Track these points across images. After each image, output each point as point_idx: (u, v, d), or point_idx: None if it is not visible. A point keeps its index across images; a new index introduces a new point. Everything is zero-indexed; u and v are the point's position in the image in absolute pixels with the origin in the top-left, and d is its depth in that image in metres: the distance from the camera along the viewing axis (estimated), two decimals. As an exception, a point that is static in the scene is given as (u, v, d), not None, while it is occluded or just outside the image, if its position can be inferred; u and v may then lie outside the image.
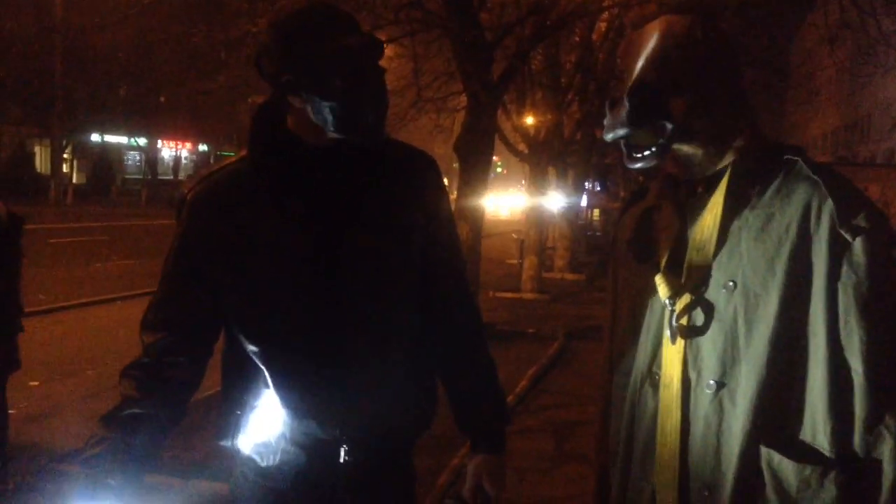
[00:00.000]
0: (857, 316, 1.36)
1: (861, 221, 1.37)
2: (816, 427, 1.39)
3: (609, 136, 1.49)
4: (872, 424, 1.36)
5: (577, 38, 14.43)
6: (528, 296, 12.97)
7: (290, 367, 1.69)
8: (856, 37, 9.35)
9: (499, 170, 61.27)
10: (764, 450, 1.41)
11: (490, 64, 7.98)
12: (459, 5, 7.50)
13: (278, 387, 1.69)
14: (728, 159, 1.50)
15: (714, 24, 1.52)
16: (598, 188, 21.04)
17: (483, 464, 1.85)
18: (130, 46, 29.95)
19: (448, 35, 8.01)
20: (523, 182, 19.87)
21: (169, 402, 1.70)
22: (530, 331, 9.71)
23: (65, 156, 38.61)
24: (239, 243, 1.68)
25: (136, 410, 1.65)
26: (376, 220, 1.71)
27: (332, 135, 1.66)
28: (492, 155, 8.70)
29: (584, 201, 19.86)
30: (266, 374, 1.70)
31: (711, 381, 1.45)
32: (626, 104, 1.44)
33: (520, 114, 13.79)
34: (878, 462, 1.36)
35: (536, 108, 14.20)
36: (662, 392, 1.52)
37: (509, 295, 12.84)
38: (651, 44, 1.49)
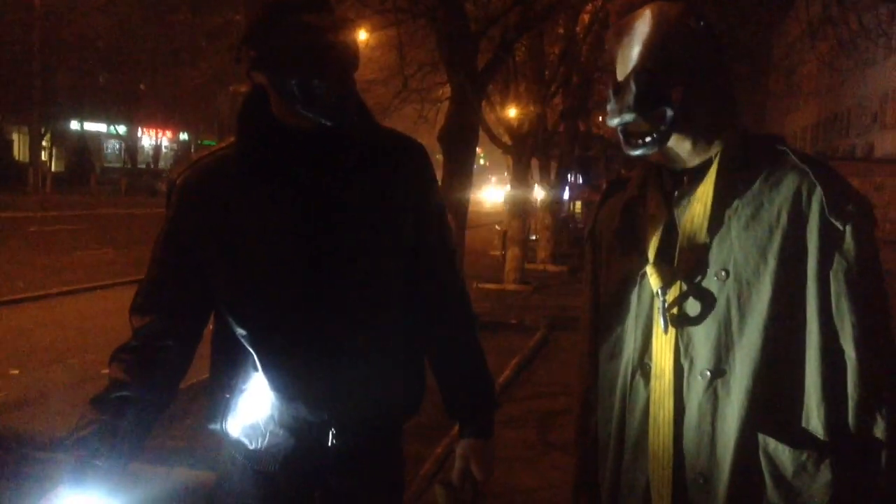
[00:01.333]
0: (848, 301, 1.39)
1: (850, 209, 1.40)
2: (811, 412, 1.41)
3: (615, 122, 1.49)
4: (866, 408, 1.39)
5: (561, 31, 14.43)
6: (511, 287, 12.99)
7: (279, 350, 1.70)
8: (837, 31, 9.42)
9: (481, 161, 61.34)
10: (760, 436, 1.42)
11: (475, 54, 7.97)
12: (444, -4, 7.48)
13: (267, 370, 1.70)
14: (714, 150, 1.51)
15: (702, 13, 1.52)
16: (581, 180, 21.10)
17: (471, 448, 1.86)
18: (110, 34, 29.67)
19: (433, 25, 7.99)
20: (506, 174, 19.87)
21: (157, 386, 1.71)
22: (513, 321, 9.73)
23: (43, 144, 38.21)
24: (228, 227, 1.69)
25: (125, 393, 1.66)
26: (364, 205, 1.72)
27: (302, 113, 1.66)
28: (476, 146, 8.70)
29: (566, 193, 19.89)
30: (255, 357, 1.71)
31: (706, 370, 1.46)
32: (633, 88, 1.44)
33: (503, 105, 13.79)
34: (873, 444, 1.39)
35: (520, 99, 14.20)
36: (654, 382, 1.53)
37: (492, 286, 12.85)
38: (646, 30, 1.49)
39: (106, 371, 5.64)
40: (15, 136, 39.56)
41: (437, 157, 8.09)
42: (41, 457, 4.52)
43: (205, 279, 1.72)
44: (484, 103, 11.89)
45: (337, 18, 1.67)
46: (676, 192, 1.56)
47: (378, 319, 1.75)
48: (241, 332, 1.71)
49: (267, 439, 1.73)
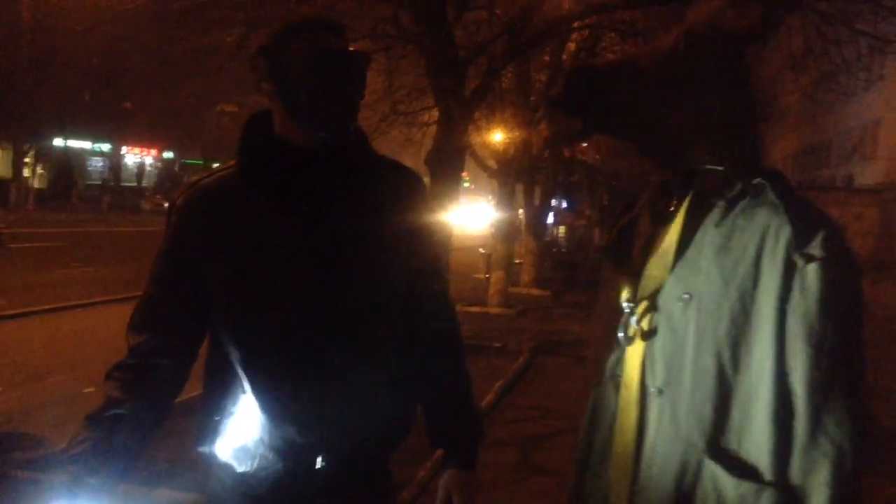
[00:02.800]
0: (803, 341, 1.38)
1: (816, 249, 1.39)
2: (760, 446, 1.40)
3: (545, 104, 1.59)
4: (810, 450, 1.37)
5: (548, 58, 14.60)
6: (495, 310, 13.03)
7: (270, 372, 1.70)
8: (818, 63, 9.59)
9: (466, 185, 61.48)
10: (707, 461, 1.43)
11: (463, 80, 8.05)
12: (434, 22, 7.57)
13: (257, 392, 1.70)
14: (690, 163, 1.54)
15: (696, 36, 1.52)
16: (565, 205, 21.23)
17: (454, 479, 1.87)
18: (98, 52, 29.65)
19: (422, 51, 8.08)
20: (490, 198, 19.96)
21: (152, 404, 1.71)
22: (497, 345, 9.73)
23: (26, 160, 38.00)
24: (227, 247, 1.70)
25: (120, 411, 1.66)
26: (363, 230, 1.75)
27: (309, 132, 1.72)
28: (462, 170, 8.77)
29: (550, 218, 20.01)
30: (245, 379, 1.71)
31: (657, 387, 1.49)
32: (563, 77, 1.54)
33: (489, 130, 13.91)
34: (814, 488, 1.37)
35: (506, 124, 14.32)
36: (622, 392, 1.55)
37: (476, 309, 12.88)
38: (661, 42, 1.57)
39: (89, 390, 5.65)
40: (-2, 153, 39.34)
41: (425, 180, 8.14)
42: (23, 476, 4.49)
43: (202, 299, 1.73)
44: (470, 127, 11.99)
45: (352, 46, 1.76)
46: (664, 213, 1.59)
47: (371, 344, 1.77)
48: (234, 352, 1.72)
49: (256, 462, 1.73)
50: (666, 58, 1.53)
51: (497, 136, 14.17)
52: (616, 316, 1.62)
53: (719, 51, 1.52)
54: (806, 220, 1.42)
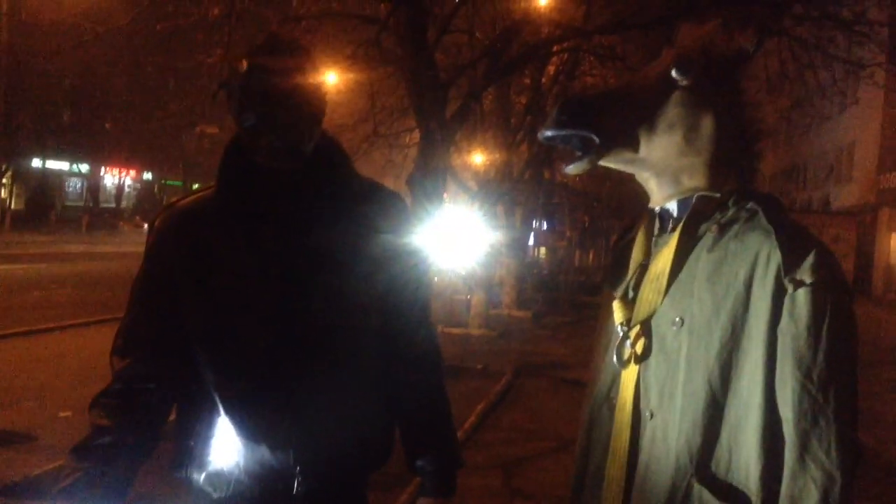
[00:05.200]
0: (791, 366, 1.38)
1: (805, 275, 1.39)
2: (749, 470, 1.41)
3: (541, 135, 1.57)
4: (799, 475, 1.37)
5: (528, 81, 14.72)
6: (476, 331, 13.02)
7: (245, 395, 1.68)
8: (794, 87, 9.74)
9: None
10: (696, 485, 1.43)
11: (444, 102, 8.10)
12: (415, 46, 7.61)
13: (232, 414, 1.68)
14: (682, 190, 1.55)
15: (689, 67, 1.53)
16: (546, 227, 21.32)
17: None
18: (77, 73, 29.53)
19: (404, 73, 8.12)
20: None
21: (141, 430, 1.67)
22: (478, 367, 9.71)
23: (3, 181, 37.68)
24: (201, 269, 1.69)
25: (109, 439, 1.61)
26: (340, 252, 1.73)
27: (257, 152, 1.70)
28: (443, 189, 8.80)
29: (531, 239, 20.07)
30: (219, 401, 1.69)
31: (649, 410, 1.50)
32: (555, 110, 1.53)
33: (470, 152, 13.98)
34: None
35: (487, 147, 14.41)
36: (617, 414, 1.56)
37: (457, 330, 12.86)
38: (652, 69, 1.58)
39: (65, 414, 5.55)
40: (-25, 173, 38.95)
41: (407, 202, 8.17)
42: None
43: (180, 320, 1.70)
44: (451, 149, 12.04)
45: (295, 63, 1.69)
46: (658, 237, 1.61)
47: (347, 367, 1.75)
48: (207, 374, 1.70)
49: (232, 487, 1.70)
50: (657, 82, 1.54)
51: (478, 158, 14.23)
52: (610, 340, 1.63)
53: (711, 74, 1.54)
54: (796, 245, 1.42)
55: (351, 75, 8.64)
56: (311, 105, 1.70)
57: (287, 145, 1.68)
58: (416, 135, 9.19)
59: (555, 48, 10.08)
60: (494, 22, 11.01)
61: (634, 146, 1.54)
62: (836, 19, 8.21)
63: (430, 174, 8.09)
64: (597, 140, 1.51)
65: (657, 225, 1.63)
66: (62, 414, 6.34)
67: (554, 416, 7.14)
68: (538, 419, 7.19)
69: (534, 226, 19.95)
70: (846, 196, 34.33)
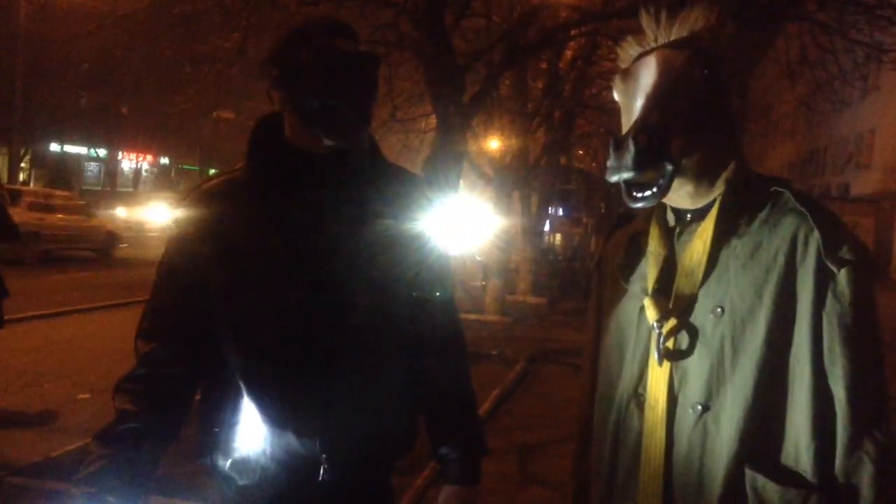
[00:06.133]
0: (840, 344, 1.40)
1: (846, 254, 1.41)
2: (800, 451, 1.42)
3: (613, 179, 1.47)
4: (853, 450, 1.40)
5: (545, 66, 14.63)
6: (491, 318, 13.01)
7: (272, 381, 1.67)
8: (814, 73, 9.62)
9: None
10: (748, 472, 1.43)
11: (461, 87, 8.06)
12: (433, 29, 7.58)
13: (258, 400, 1.67)
14: (718, 190, 1.53)
15: (709, 59, 1.53)
16: (562, 213, 21.24)
17: (456, 495, 1.83)
18: (94, 57, 29.65)
19: (421, 58, 8.09)
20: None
21: (167, 416, 1.66)
22: (493, 353, 9.72)
23: (22, 165, 37.91)
24: (229, 252, 1.67)
25: (134, 425, 1.60)
26: (371, 236, 1.71)
27: (322, 139, 1.68)
28: (460, 175, 8.78)
29: (547, 226, 20.02)
30: (245, 387, 1.67)
31: (697, 404, 1.48)
32: (631, 147, 1.43)
33: (487, 137, 13.94)
34: (859, 486, 1.40)
35: (503, 132, 14.35)
36: (647, 413, 1.54)
37: (472, 317, 12.84)
38: (650, 79, 1.50)
39: (84, 396, 5.61)
40: (-6, 158, 39.22)
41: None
42: (16, 482, 4.47)
43: (206, 303, 1.68)
44: (468, 135, 12.00)
45: (362, 48, 1.71)
46: (678, 229, 1.59)
47: (375, 352, 1.73)
48: (233, 359, 1.68)
49: (258, 475, 1.69)
50: (677, 85, 1.50)
51: (494, 144, 14.19)
52: (629, 336, 1.61)
53: (717, 63, 1.53)
54: (831, 225, 1.45)
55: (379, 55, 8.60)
56: (374, 90, 1.72)
57: (355, 128, 1.68)
58: (433, 119, 9.16)
59: (573, 32, 9.99)
60: (512, 6, 10.95)
61: (685, 157, 1.49)
62: (858, 3, 8.09)
63: (446, 159, 8.08)
64: (669, 168, 1.47)
65: (670, 216, 1.61)
66: (82, 396, 6.41)
67: (568, 403, 7.11)
68: (552, 405, 7.19)
69: (550, 212, 19.87)
70: (865, 183, 33.98)
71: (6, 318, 5.92)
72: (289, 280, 1.66)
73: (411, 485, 4.70)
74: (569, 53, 14.33)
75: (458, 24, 8.55)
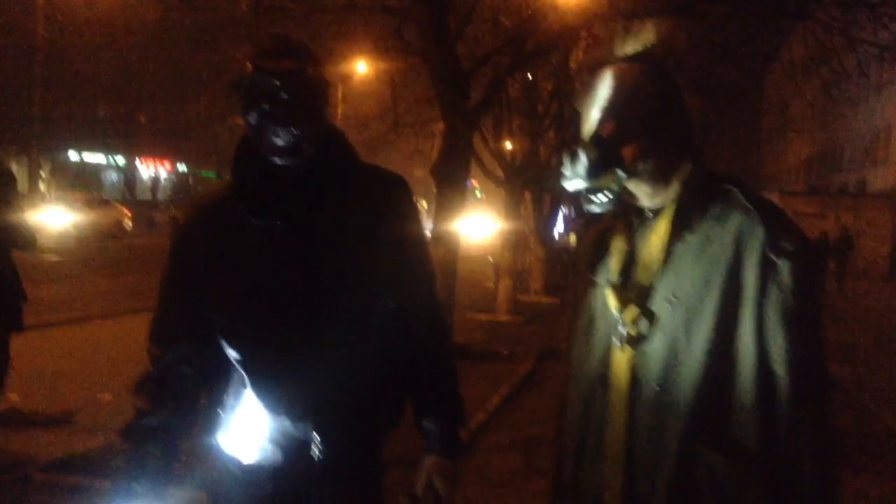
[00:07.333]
0: (781, 328, 1.56)
1: (787, 245, 1.57)
2: (746, 427, 1.58)
3: (570, 187, 1.66)
4: (795, 427, 1.56)
5: (554, 67, 14.71)
6: (503, 317, 13.13)
7: (268, 372, 1.86)
8: (820, 72, 9.68)
9: (478, 195, 61.47)
10: (699, 445, 1.59)
11: (467, 92, 8.19)
12: (436, 37, 7.71)
13: (256, 388, 1.86)
14: (674, 189, 1.69)
15: (662, 72, 1.70)
16: (574, 214, 21.29)
17: (435, 465, 1.97)
18: (111, 68, 30.01)
19: (426, 64, 8.23)
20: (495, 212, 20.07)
21: (180, 412, 1.88)
22: (504, 352, 9.86)
23: (42, 174, 38.39)
24: (222, 261, 1.85)
25: (152, 422, 1.83)
26: (349, 238, 1.87)
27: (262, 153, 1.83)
28: (467, 179, 8.90)
29: (560, 226, 20.08)
30: (245, 376, 1.87)
31: (654, 385, 1.64)
32: (583, 159, 1.61)
33: (497, 139, 14.04)
34: (800, 460, 1.56)
35: (513, 134, 14.45)
36: (612, 392, 1.70)
37: (484, 316, 12.99)
38: (604, 93, 1.66)
39: (103, 396, 5.77)
40: (13, 166, 39.65)
41: (434, 190, 8.32)
42: (41, 477, 4.66)
43: (205, 307, 1.87)
44: (478, 137, 12.11)
45: (296, 65, 1.79)
46: (639, 226, 1.75)
47: (360, 343, 1.90)
48: (233, 353, 1.87)
49: (258, 454, 1.89)
50: (632, 94, 1.67)
51: (505, 146, 14.30)
52: (597, 323, 1.78)
53: (669, 71, 1.69)
54: (775, 220, 1.61)
55: (376, 66, 8.76)
56: (310, 106, 1.82)
57: (287, 144, 1.79)
58: (443, 123, 9.30)
59: (582, 33, 10.07)
60: (520, 9, 11.05)
61: (638, 163, 1.66)
62: (861, 2, 8.16)
63: (454, 163, 8.21)
64: (622, 175, 1.64)
65: (633, 214, 1.77)
66: (101, 397, 6.60)
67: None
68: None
69: (564, 212, 19.94)
70: (882, 179, 33.76)
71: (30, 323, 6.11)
72: (275, 285, 1.84)
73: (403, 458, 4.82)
74: (580, 54, 14.38)
75: (462, 31, 8.68)
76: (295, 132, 1.78)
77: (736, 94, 15.49)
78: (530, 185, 15.50)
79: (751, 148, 49.80)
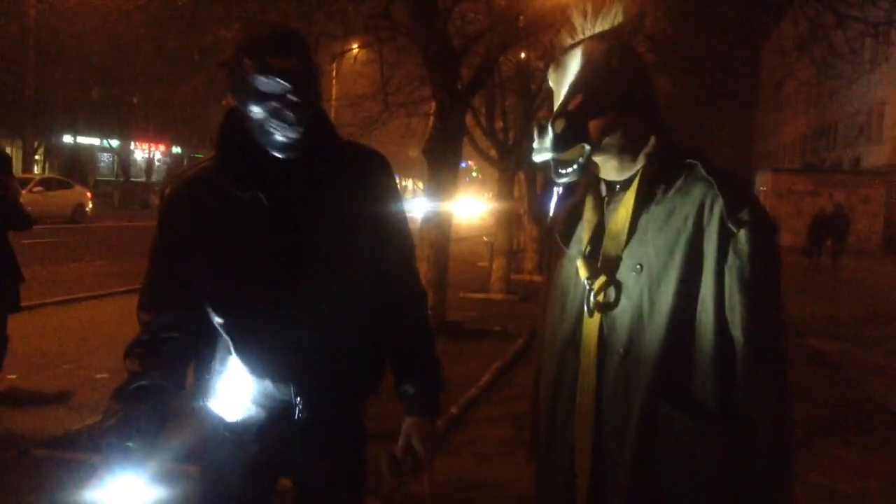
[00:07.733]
0: (739, 294, 1.65)
1: (745, 215, 1.65)
2: (706, 387, 1.67)
3: (537, 159, 1.73)
4: (750, 386, 1.65)
5: (547, 45, 14.69)
6: (497, 296, 13.24)
7: (251, 337, 1.94)
8: (810, 50, 9.72)
9: (474, 175, 61.44)
10: (663, 405, 1.69)
11: (458, 72, 8.22)
12: (425, 17, 7.73)
13: (240, 353, 1.95)
14: (640, 163, 1.77)
15: (629, 50, 1.78)
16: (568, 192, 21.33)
17: (414, 425, 2.04)
18: (104, 49, 29.88)
19: (416, 44, 8.25)
20: (488, 194, 20.09)
21: (170, 374, 1.95)
22: (496, 329, 9.98)
23: (36, 157, 38.35)
24: (206, 232, 1.92)
25: (143, 383, 1.91)
26: (330, 213, 1.95)
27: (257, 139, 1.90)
28: (459, 159, 8.96)
29: (553, 205, 20.11)
30: (230, 342, 1.95)
31: (620, 349, 1.73)
32: (550, 132, 1.68)
33: (490, 118, 14.05)
34: (756, 417, 1.65)
35: (507, 113, 14.46)
36: (582, 357, 1.80)
37: (478, 295, 13.10)
38: (574, 70, 1.74)
39: (101, 376, 5.88)
40: (8, 150, 39.55)
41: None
42: (41, 453, 4.75)
43: (193, 278, 1.95)
44: (471, 117, 12.14)
45: (304, 65, 1.87)
46: (607, 198, 1.84)
47: (340, 310, 1.99)
48: (218, 320, 1.96)
49: (243, 414, 1.99)
50: (598, 73, 1.74)
51: (498, 125, 14.31)
52: (569, 292, 1.87)
53: (631, 52, 1.77)
54: (734, 192, 1.69)
55: (367, 45, 8.76)
56: (314, 104, 1.91)
57: (290, 142, 1.88)
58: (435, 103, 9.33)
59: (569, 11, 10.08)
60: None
61: (605, 137, 1.74)
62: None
63: (446, 142, 8.26)
64: (588, 148, 1.71)
65: (603, 187, 1.85)
66: (98, 376, 6.69)
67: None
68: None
69: (556, 191, 20.00)
70: (876, 156, 33.84)
71: (28, 303, 6.19)
72: (259, 255, 1.91)
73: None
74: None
75: (452, 9, 8.69)
76: (300, 131, 1.88)
77: (730, 70, 15.50)
78: (524, 165, 15.52)
79: (746, 123, 49.77)
